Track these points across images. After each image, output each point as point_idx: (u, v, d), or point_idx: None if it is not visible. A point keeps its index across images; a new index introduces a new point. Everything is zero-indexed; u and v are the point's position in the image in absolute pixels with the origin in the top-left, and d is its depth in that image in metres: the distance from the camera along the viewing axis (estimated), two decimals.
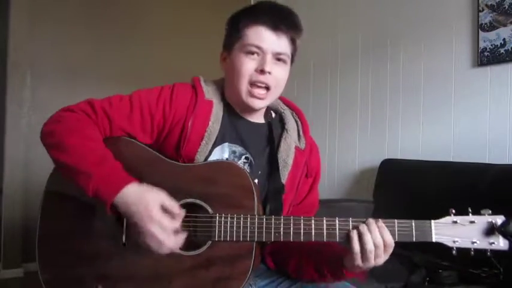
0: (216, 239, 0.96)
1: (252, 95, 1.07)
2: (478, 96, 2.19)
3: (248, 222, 0.95)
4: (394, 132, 2.58)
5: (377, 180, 2.45)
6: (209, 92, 1.11)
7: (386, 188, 2.38)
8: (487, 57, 2.15)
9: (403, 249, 1.89)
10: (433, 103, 2.39)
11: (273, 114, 1.21)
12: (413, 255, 1.80)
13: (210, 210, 0.98)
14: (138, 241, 0.94)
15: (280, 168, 1.11)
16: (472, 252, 0.89)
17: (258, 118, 1.17)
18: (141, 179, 0.98)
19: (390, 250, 0.91)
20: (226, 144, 1.10)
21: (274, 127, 1.17)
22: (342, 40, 2.90)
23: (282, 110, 1.21)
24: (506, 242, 0.88)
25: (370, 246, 0.88)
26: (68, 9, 3.32)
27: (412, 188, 2.20)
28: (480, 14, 2.18)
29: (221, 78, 1.20)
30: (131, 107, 1.05)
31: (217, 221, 0.96)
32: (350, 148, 2.81)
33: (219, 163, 1.04)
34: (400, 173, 2.32)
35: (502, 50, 2.10)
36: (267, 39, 1.05)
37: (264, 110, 1.17)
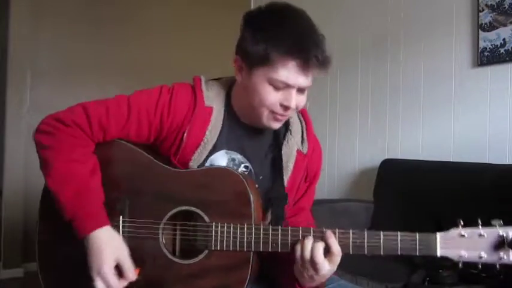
0: (213, 248, 0.95)
1: (274, 119, 1.03)
2: (478, 96, 2.19)
3: (245, 232, 0.93)
4: (394, 132, 2.58)
5: (377, 180, 2.45)
6: (209, 98, 1.06)
7: (386, 188, 2.38)
8: (487, 57, 2.15)
9: None
10: (433, 103, 2.39)
11: None
12: (413, 255, 1.80)
13: (206, 218, 0.96)
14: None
15: (283, 175, 1.08)
16: (480, 266, 0.85)
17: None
18: (133, 183, 0.99)
19: (335, 260, 0.89)
20: (224, 151, 1.07)
21: (279, 129, 1.11)
22: (341, 40, 2.90)
23: None
24: None
25: (305, 252, 0.89)
26: (68, 9, 3.32)
27: (412, 188, 2.20)
28: (480, 14, 2.18)
29: (226, 79, 1.15)
30: (128, 115, 1.03)
31: (213, 230, 0.95)
32: (350, 148, 2.81)
33: (215, 169, 1.02)
34: (400, 173, 2.32)
35: (502, 50, 2.10)
36: (297, 78, 0.97)
37: None
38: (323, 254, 0.88)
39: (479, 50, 2.17)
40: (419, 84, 2.45)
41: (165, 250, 0.98)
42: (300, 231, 0.92)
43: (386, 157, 2.51)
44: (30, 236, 2.77)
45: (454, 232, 0.85)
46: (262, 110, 1.01)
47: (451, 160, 2.25)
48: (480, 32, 2.18)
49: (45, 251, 1.06)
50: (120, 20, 3.49)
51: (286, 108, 1.00)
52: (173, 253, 1.00)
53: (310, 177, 1.16)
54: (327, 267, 0.89)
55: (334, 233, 0.90)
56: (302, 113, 1.17)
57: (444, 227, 0.87)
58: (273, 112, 1.01)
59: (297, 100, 1.01)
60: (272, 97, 0.98)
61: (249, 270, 0.94)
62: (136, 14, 3.59)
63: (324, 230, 0.91)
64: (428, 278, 1.71)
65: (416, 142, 2.46)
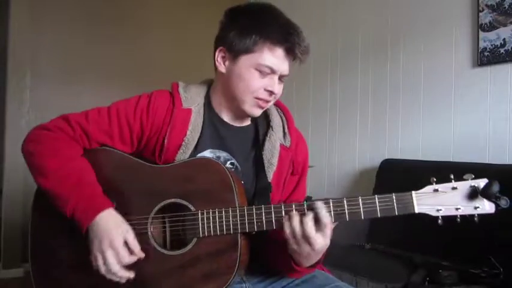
0: (201, 235, 0.97)
1: (257, 106, 1.08)
2: (478, 96, 2.19)
3: (230, 215, 0.96)
4: (394, 132, 2.58)
5: (377, 180, 2.45)
6: (187, 100, 1.10)
7: (386, 188, 2.35)
8: (487, 57, 2.15)
9: (403, 250, 1.90)
10: (433, 103, 2.39)
11: None
12: (413, 255, 1.80)
13: (192, 208, 0.98)
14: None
15: (265, 168, 1.11)
16: (458, 219, 0.87)
17: (243, 121, 1.17)
18: (119, 185, 1.01)
19: (327, 231, 0.90)
20: (209, 151, 1.10)
21: (260, 126, 1.17)
22: (342, 40, 2.90)
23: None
24: (492, 204, 0.85)
25: (294, 227, 0.90)
26: (67, 9, 3.32)
27: (412, 188, 2.19)
28: (480, 14, 2.18)
29: (204, 81, 1.20)
30: (109, 120, 1.06)
31: (199, 218, 0.97)
32: (350, 148, 2.81)
33: (195, 160, 1.04)
34: (400, 173, 2.32)
35: (502, 50, 2.10)
36: (282, 65, 1.05)
37: None
38: (314, 227, 0.90)
39: (479, 50, 2.17)
40: (419, 84, 2.45)
41: (154, 244, 1.00)
42: (283, 207, 0.94)
43: (387, 157, 2.51)
44: None
45: (428, 188, 0.89)
46: (246, 96, 1.06)
47: (451, 160, 2.25)
48: (480, 32, 2.18)
49: (37, 256, 1.07)
50: (119, 20, 3.50)
51: (270, 93, 1.06)
52: (164, 247, 1.01)
53: (298, 171, 1.17)
54: (320, 241, 0.90)
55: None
56: (282, 109, 1.22)
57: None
58: (256, 98, 1.06)
59: (279, 89, 1.08)
60: (257, 82, 1.05)
61: (238, 253, 0.95)
62: (136, 14, 3.59)
63: (308, 202, 0.93)
64: (428, 278, 1.71)
65: (416, 142, 2.46)
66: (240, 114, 1.12)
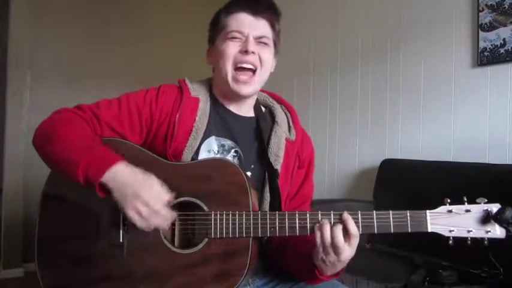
0: (213, 236, 0.97)
1: (237, 81, 1.09)
2: (478, 97, 2.19)
3: (244, 219, 0.96)
4: (394, 132, 2.58)
5: (377, 180, 2.45)
6: (195, 89, 1.14)
7: (386, 188, 2.38)
8: (487, 57, 2.15)
9: (403, 250, 1.90)
10: (433, 103, 2.39)
11: (263, 109, 1.23)
12: (413, 255, 1.81)
13: (205, 208, 0.98)
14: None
15: (272, 161, 1.12)
16: (469, 242, 0.89)
17: (247, 112, 1.19)
18: None
19: (354, 242, 0.91)
20: (214, 137, 1.11)
21: (264, 120, 1.18)
22: (342, 40, 2.91)
23: (271, 105, 1.23)
24: (503, 229, 0.87)
25: (326, 237, 0.90)
26: (68, 9, 3.32)
27: (412, 188, 2.20)
28: (480, 14, 2.18)
29: (206, 78, 1.24)
30: (119, 107, 1.07)
31: (212, 218, 0.97)
32: (350, 148, 2.81)
33: (212, 160, 1.05)
34: (400, 173, 2.33)
35: (502, 50, 2.10)
36: (247, 24, 1.10)
37: (253, 103, 1.20)
38: (343, 237, 0.90)
39: (479, 50, 2.18)
40: (419, 84, 2.46)
41: (165, 241, 0.99)
42: (297, 215, 0.95)
43: (386, 157, 2.52)
44: (30, 236, 2.78)
45: (442, 208, 0.91)
46: (226, 67, 1.09)
47: (451, 160, 2.25)
48: (480, 32, 2.18)
49: (45, 249, 1.06)
50: (120, 20, 3.49)
51: (246, 52, 1.08)
52: (172, 244, 1.01)
53: (303, 164, 1.19)
54: (347, 251, 0.90)
55: (329, 217, 0.93)
56: (286, 106, 1.24)
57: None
58: (236, 67, 1.09)
59: (259, 51, 1.10)
60: (231, 48, 1.09)
61: (249, 256, 0.96)
62: (136, 14, 3.59)
63: (321, 212, 0.93)
64: (428, 278, 1.71)
65: (416, 142, 2.46)
66: (233, 97, 1.14)
